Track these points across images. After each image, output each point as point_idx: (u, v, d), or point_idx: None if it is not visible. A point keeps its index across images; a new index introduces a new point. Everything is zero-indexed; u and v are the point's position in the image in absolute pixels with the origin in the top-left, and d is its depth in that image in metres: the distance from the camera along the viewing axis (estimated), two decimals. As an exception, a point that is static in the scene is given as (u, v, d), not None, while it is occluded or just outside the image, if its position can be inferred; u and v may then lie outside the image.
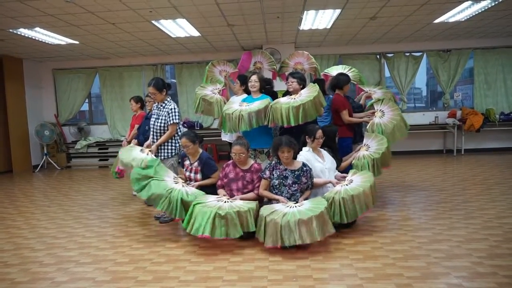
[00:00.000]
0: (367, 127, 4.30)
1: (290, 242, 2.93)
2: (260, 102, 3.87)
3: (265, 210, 3.12)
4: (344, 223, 3.41)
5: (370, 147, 3.99)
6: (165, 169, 3.70)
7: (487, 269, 2.58)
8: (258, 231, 3.12)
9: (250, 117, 3.81)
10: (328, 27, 6.66)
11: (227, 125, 3.97)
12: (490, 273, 2.53)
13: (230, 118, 3.90)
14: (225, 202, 3.25)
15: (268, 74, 5.12)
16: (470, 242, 3.10)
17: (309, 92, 3.82)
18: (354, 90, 5.41)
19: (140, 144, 4.48)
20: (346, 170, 3.93)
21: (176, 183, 3.56)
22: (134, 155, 3.92)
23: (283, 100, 3.83)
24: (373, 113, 4.40)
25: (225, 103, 4.36)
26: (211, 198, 3.38)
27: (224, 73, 4.85)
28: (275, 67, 5.00)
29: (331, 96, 4.59)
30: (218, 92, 4.56)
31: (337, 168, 3.82)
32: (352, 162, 3.95)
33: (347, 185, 3.38)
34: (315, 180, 3.51)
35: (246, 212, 3.14)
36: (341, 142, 4.21)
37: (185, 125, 8.23)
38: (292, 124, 3.69)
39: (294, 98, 3.79)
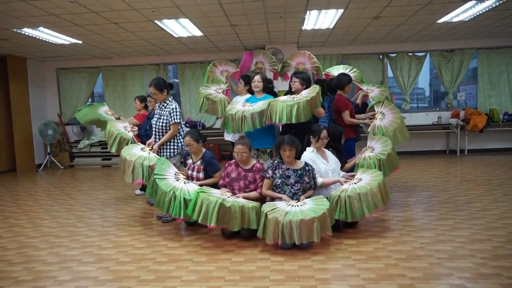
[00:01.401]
0: (369, 129, 4.29)
1: (290, 240, 2.94)
2: (263, 103, 3.87)
3: (266, 206, 3.13)
4: (349, 223, 3.42)
5: (375, 149, 3.98)
6: (167, 164, 3.74)
7: (490, 270, 2.57)
8: (259, 227, 3.12)
9: (253, 118, 3.80)
10: (331, 27, 6.65)
11: (230, 126, 3.97)
12: (494, 274, 2.52)
13: (233, 119, 3.90)
14: (228, 197, 3.28)
15: (269, 74, 5.11)
16: (473, 243, 3.09)
17: (309, 93, 3.81)
18: (354, 90, 5.39)
19: (143, 143, 4.55)
20: (349, 172, 3.92)
21: (178, 179, 3.58)
22: (135, 152, 3.95)
23: (281, 99, 3.83)
24: (374, 115, 4.40)
25: (229, 102, 4.36)
26: (215, 191, 3.41)
27: (225, 73, 4.84)
28: (276, 67, 5.00)
29: (332, 96, 4.59)
30: (222, 92, 4.56)
31: (341, 169, 3.81)
32: (356, 162, 3.94)
33: (355, 183, 3.38)
34: (324, 180, 3.50)
35: (250, 209, 3.16)
36: (345, 143, 4.19)
37: (187, 124, 8.25)
38: (284, 122, 3.67)
39: (293, 98, 3.78)
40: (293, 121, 3.65)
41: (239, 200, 3.24)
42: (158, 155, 4.08)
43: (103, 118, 4.89)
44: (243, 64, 4.95)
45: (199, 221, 3.16)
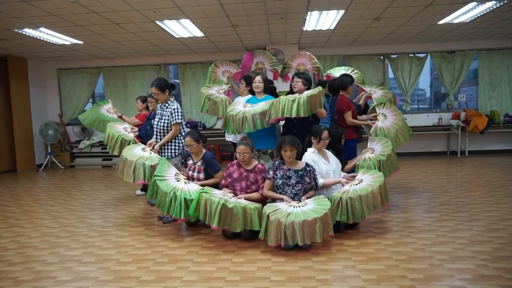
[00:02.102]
0: (371, 131, 4.29)
1: (293, 241, 2.94)
2: (264, 104, 3.87)
3: (268, 208, 3.13)
4: (349, 224, 3.43)
5: (375, 150, 3.98)
6: (167, 165, 3.74)
7: (491, 272, 2.57)
8: (260, 229, 3.12)
9: (254, 119, 3.81)
10: (332, 28, 6.65)
11: (231, 126, 3.97)
12: (495, 275, 2.51)
13: (233, 120, 3.90)
14: (230, 198, 3.28)
15: (269, 75, 5.11)
16: (474, 244, 3.08)
17: (311, 92, 3.81)
18: (357, 92, 5.41)
19: (143, 143, 4.60)
20: (349, 173, 3.92)
21: (178, 180, 3.58)
22: (136, 152, 3.95)
23: (283, 97, 3.84)
24: (375, 116, 4.40)
25: (230, 103, 4.36)
26: (217, 191, 3.41)
27: (227, 74, 4.84)
28: (276, 67, 4.99)
29: (334, 97, 4.59)
30: (224, 93, 4.56)
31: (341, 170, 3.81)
32: (357, 164, 3.94)
33: (356, 184, 3.38)
34: (325, 180, 3.50)
35: (252, 210, 3.17)
36: (346, 144, 4.19)
37: (188, 125, 8.25)
38: (284, 115, 3.67)
39: (295, 96, 3.78)
40: (293, 115, 3.64)
41: (241, 201, 3.24)
42: (159, 155, 4.09)
43: (104, 118, 4.93)
44: (244, 64, 4.95)
45: (206, 222, 3.17)
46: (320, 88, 3.83)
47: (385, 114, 4.37)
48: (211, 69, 4.86)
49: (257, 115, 3.79)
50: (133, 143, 4.37)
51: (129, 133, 4.55)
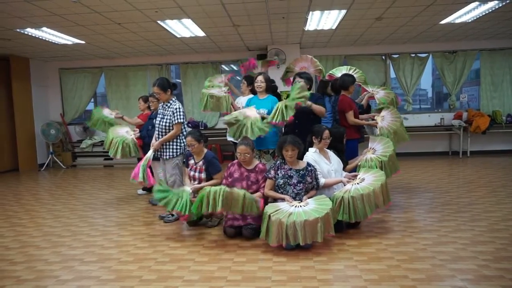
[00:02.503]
0: (377, 131, 4.31)
1: (294, 241, 2.94)
2: (265, 111, 3.89)
3: (269, 208, 3.13)
4: (351, 224, 3.43)
5: (377, 150, 3.99)
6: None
7: (493, 272, 2.56)
8: (262, 229, 3.12)
9: (254, 126, 3.82)
10: (334, 27, 6.65)
11: (232, 131, 3.98)
12: (496, 276, 2.51)
13: (238, 127, 3.92)
14: None
15: (271, 75, 5.10)
16: (475, 244, 3.08)
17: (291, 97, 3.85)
18: (359, 92, 5.40)
19: (145, 143, 4.67)
20: (351, 173, 3.92)
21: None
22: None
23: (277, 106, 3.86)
24: (374, 115, 4.44)
25: (232, 100, 4.35)
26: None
27: (222, 83, 4.82)
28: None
29: (336, 97, 4.59)
30: (225, 93, 4.54)
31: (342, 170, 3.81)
32: (358, 164, 3.94)
33: (358, 183, 3.38)
34: (326, 180, 3.50)
35: (251, 199, 3.22)
36: (348, 144, 4.19)
37: (189, 125, 8.25)
38: (280, 120, 3.70)
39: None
40: (280, 120, 3.67)
41: (241, 191, 3.27)
42: (160, 155, 4.11)
43: (106, 118, 5.09)
44: (247, 67, 4.93)
45: (209, 210, 3.21)
46: (300, 85, 3.82)
47: (383, 116, 4.41)
48: (207, 83, 4.80)
49: (259, 122, 3.81)
50: (134, 146, 4.55)
51: (130, 135, 4.71)
